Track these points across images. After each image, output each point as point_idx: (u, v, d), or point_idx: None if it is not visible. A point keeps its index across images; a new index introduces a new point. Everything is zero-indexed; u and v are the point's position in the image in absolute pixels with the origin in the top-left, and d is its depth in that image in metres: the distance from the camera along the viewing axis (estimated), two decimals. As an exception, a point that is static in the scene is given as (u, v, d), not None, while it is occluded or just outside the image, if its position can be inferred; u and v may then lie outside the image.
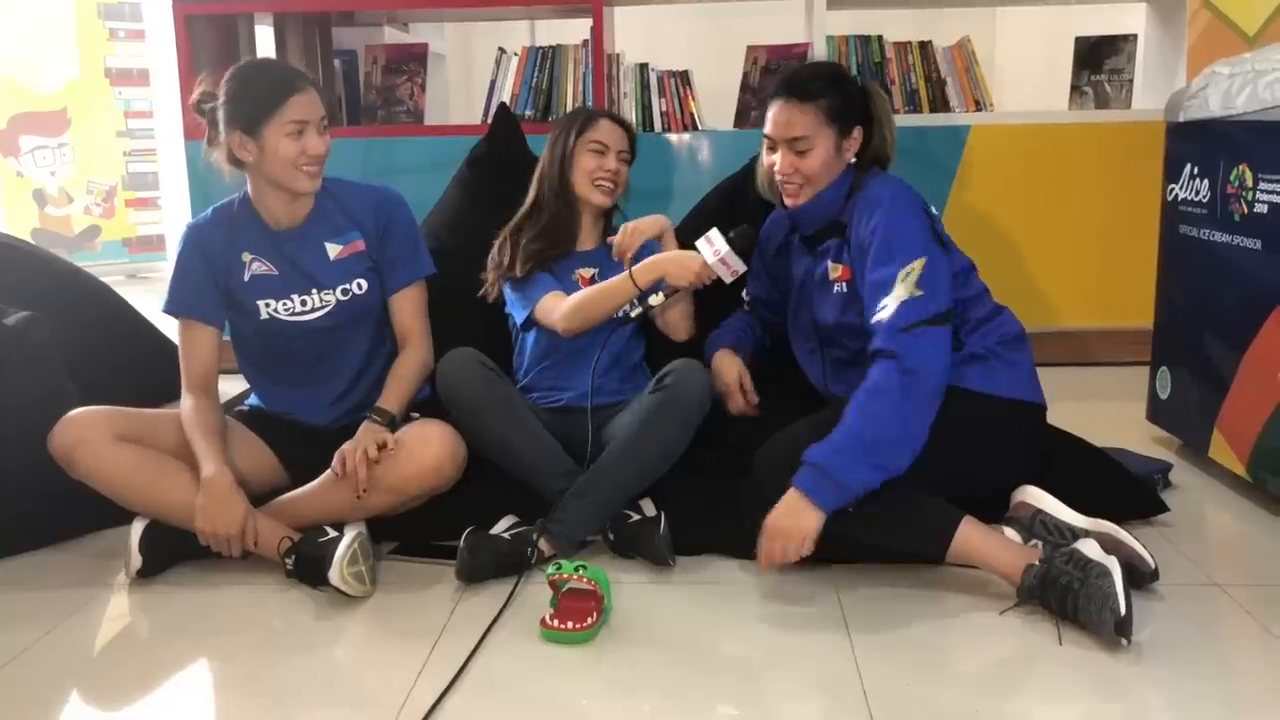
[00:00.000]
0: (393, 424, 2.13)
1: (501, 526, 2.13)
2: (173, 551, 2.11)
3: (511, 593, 1.96)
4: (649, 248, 2.38)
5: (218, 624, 1.93)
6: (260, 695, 1.68)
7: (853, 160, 2.11)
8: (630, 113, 3.70)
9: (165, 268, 6.52)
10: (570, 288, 2.37)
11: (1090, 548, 1.82)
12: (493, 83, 3.80)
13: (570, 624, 1.80)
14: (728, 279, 2.23)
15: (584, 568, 1.81)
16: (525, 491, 2.20)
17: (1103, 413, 3.03)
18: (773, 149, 2.12)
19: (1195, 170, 2.58)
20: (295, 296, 2.21)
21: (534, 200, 2.44)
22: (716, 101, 3.92)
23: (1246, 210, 2.35)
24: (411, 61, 3.92)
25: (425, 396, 2.29)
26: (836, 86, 2.08)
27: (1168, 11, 3.76)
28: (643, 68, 3.71)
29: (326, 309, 2.22)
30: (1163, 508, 2.27)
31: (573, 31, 3.84)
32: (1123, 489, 2.27)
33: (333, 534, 2.02)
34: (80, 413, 2.08)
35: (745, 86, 3.78)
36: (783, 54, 3.72)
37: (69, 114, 6.33)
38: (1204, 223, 2.53)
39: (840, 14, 3.71)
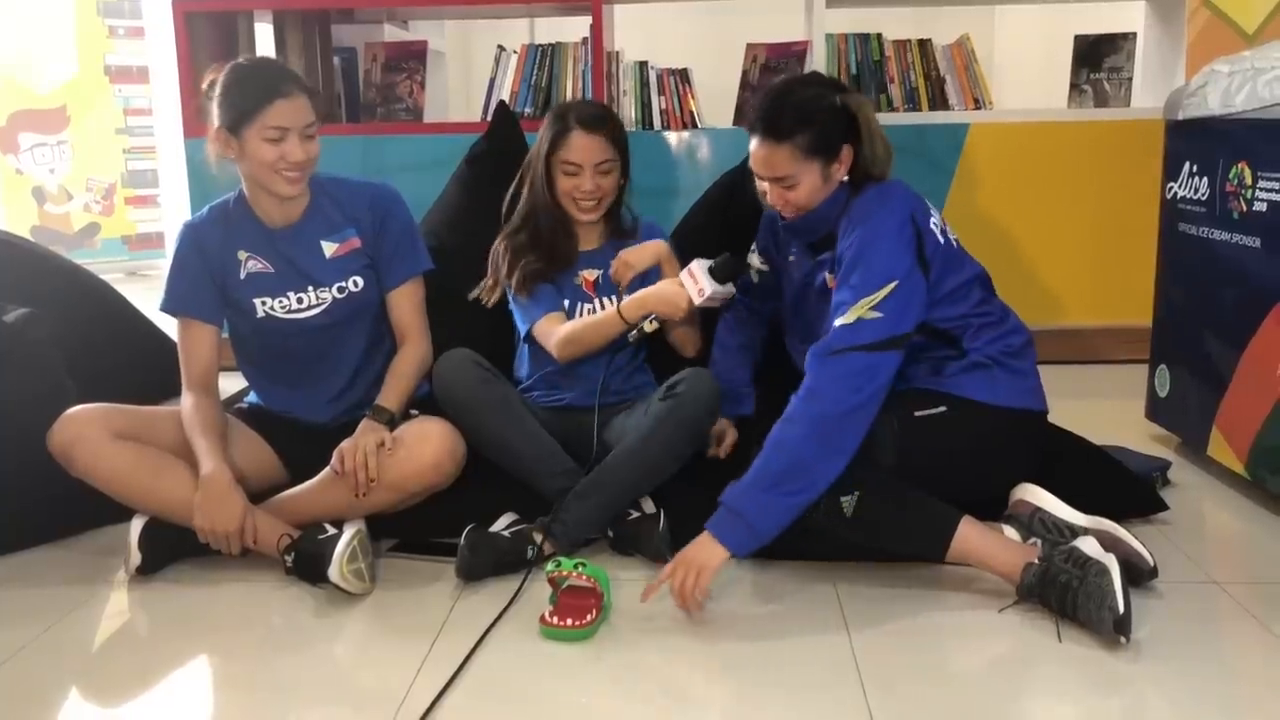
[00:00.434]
0: (391, 422, 2.13)
1: (501, 524, 2.13)
2: (172, 549, 2.11)
3: (517, 591, 1.96)
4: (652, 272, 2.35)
5: (217, 621, 1.93)
6: (260, 692, 1.68)
7: (845, 179, 2.05)
8: (630, 110, 3.70)
9: (164, 265, 6.48)
10: (573, 293, 2.35)
11: (1089, 545, 1.82)
12: (492, 80, 3.80)
13: (570, 621, 1.80)
14: (717, 304, 2.23)
15: (583, 565, 1.81)
16: (525, 489, 2.20)
17: (1102, 411, 3.03)
18: (760, 177, 2.08)
19: (1194, 168, 2.58)
20: (291, 294, 2.21)
21: (527, 212, 2.38)
22: (716, 99, 3.92)
23: (1245, 208, 2.35)
24: (411, 59, 3.92)
25: (424, 394, 2.29)
26: (812, 120, 1.98)
27: (1167, 10, 3.76)
28: (642, 65, 3.71)
29: (323, 306, 2.22)
30: (1162, 506, 2.27)
31: (572, 29, 3.84)
32: (1122, 487, 2.27)
33: (332, 531, 2.02)
34: (79, 410, 2.08)
35: (745, 84, 3.78)
36: (782, 52, 3.72)
37: (68, 111, 6.32)
38: (1203, 221, 2.53)
39: (839, 12, 3.71)
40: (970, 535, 1.88)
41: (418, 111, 3.90)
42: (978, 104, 3.74)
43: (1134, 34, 3.80)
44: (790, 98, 2.02)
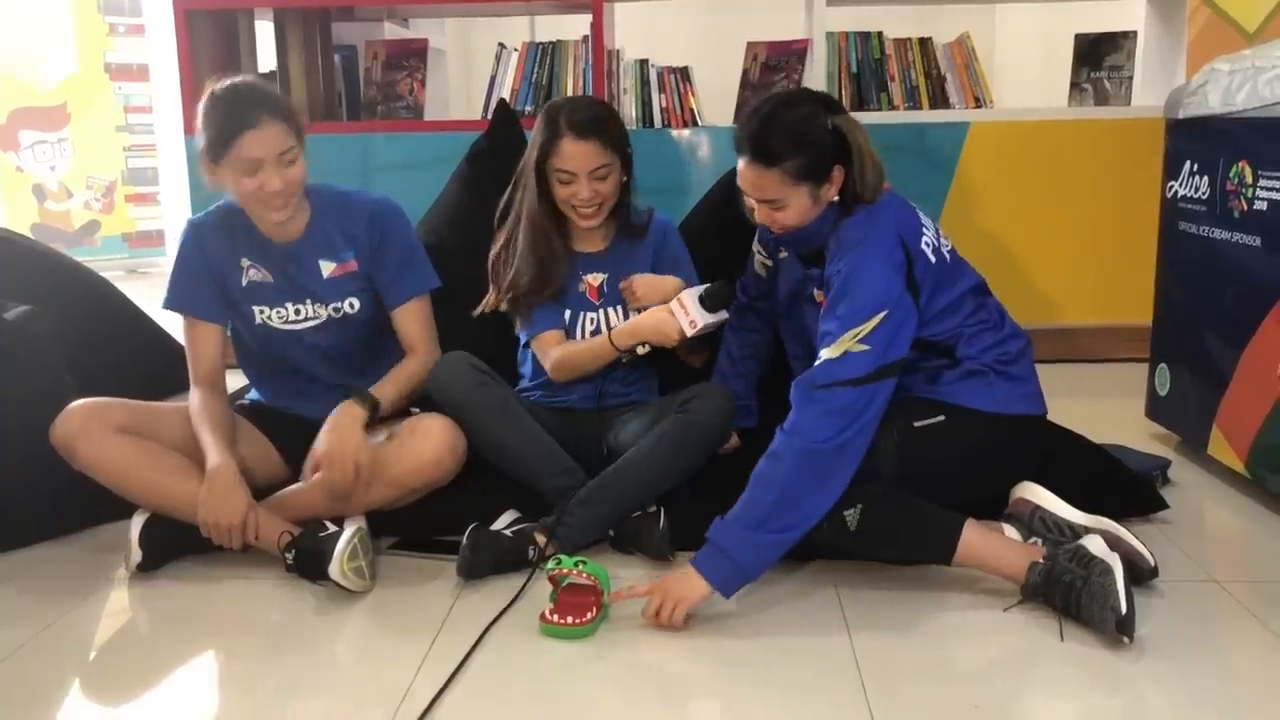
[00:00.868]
0: (374, 410, 2.11)
1: (503, 522, 2.14)
2: (173, 546, 2.11)
3: (521, 590, 1.96)
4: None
5: (217, 619, 1.93)
6: (260, 690, 1.68)
7: (835, 199, 1.98)
8: (630, 109, 3.70)
9: (165, 263, 6.51)
10: (576, 300, 2.33)
11: (1095, 544, 1.81)
12: (493, 78, 3.80)
13: (570, 619, 1.80)
14: (711, 330, 2.21)
15: (584, 563, 1.81)
16: (525, 487, 2.20)
17: (1102, 410, 3.03)
18: (749, 197, 2.03)
19: (1195, 167, 2.58)
20: (289, 305, 2.21)
21: (516, 227, 2.30)
22: (716, 97, 3.92)
23: (1246, 207, 2.35)
24: (411, 57, 3.92)
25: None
26: (803, 144, 1.92)
27: (1167, 8, 3.76)
28: (642, 64, 3.71)
29: (319, 321, 2.22)
30: (1162, 505, 2.27)
31: (572, 27, 3.84)
32: (1122, 486, 2.27)
33: (332, 529, 2.03)
34: (82, 404, 2.08)
35: (745, 83, 3.78)
36: (783, 50, 3.72)
37: (69, 109, 6.32)
38: (1203, 220, 2.53)
39: (840, 10, 3.71)
40: (975, 539, 1.88)
41: (418, 109, 3.90)
42: (978, 102, 3.74)
43: (1134, 32, 3.80)
44: (780, 120, 1.94)
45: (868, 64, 3.73)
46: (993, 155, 3.65)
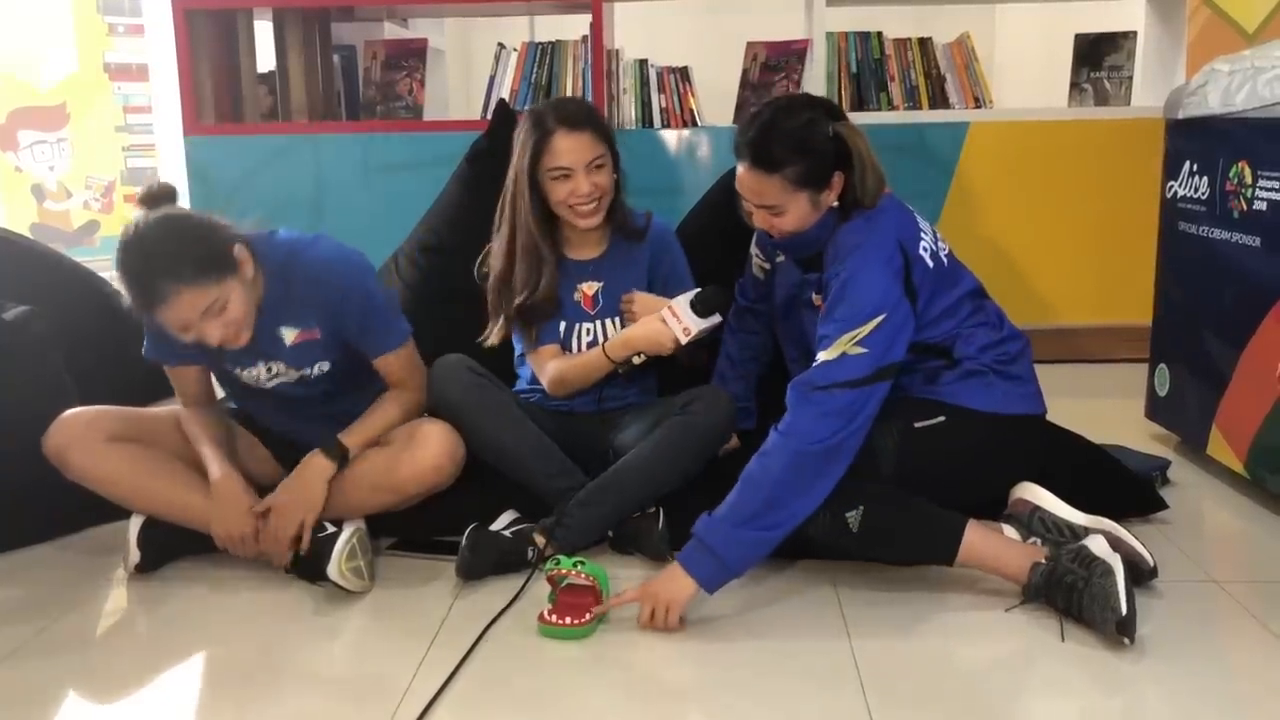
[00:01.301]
0: (343, 460, 2.07)
1: (502, 522, 2.13)
2: (171, 547, 2.11)
3: (520, 590, 1.96)
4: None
5: (216, 619, 1.93)
6: (258, 690, 1.68)
7: (835, 205, 1.97)
8: (630, 109, 3.70)
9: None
10: (572, 310, 2.30)
11: (1098, 545, 1.81)
12: (492, 78, 3.80)
13: (569, 619, 1.80)
14: (705, 336, 2.20)
15: (583, 563, 1.81)
16: (524, 488, 2.19)
17: (1101, 410, 3.03)
18: (747, 202, 2.02)
19: (1194, 167, 2.57)
20: (261, 364, 2.11)
21: (506, 245, 2.24)
22: (716, 97, 3.91)
23: (1246, 207, 2.35)
24: (411, 57, 3.92)
25: None
26: (802, 151, 1.91)
27: (1167, 8, 3.75)
28: (642, 64, 3.71)
29: (293, 379, 2.14)
30: (1161, 505, 2.27)
31: (572, 27, 3.84)
32: (1121, 486, 2.27)
33: (331, 529, 2.02)
34: (72, 414, 2.07)
35: (745, 83, 3.77)
36: (782, 50, 3.71)
37: (68, 109, 6.31)
38: (1203, 220, 2.53)
39: (840, 10, 3.70)
40: (977, 540, 1.87)
41: (417, 109, 3.89)
42: (978, 102, 3.74)
43: (1134, 33, 3.80)
44: (781, 126, 1.92)
45: (867, 64, 3.73)
46: (993, 156, 3.64)
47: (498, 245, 2.28)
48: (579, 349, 2.30)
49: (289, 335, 2.08)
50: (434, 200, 3.03)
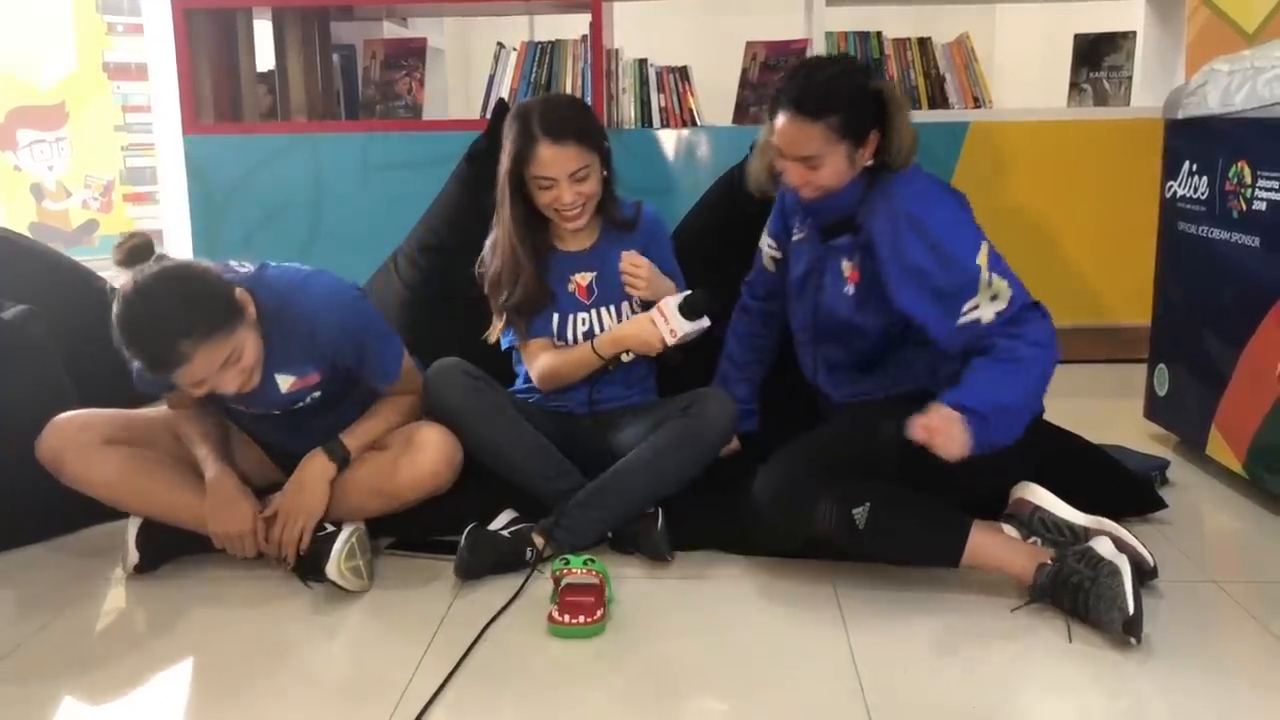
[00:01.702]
0: (344, 462, 2.07)
1: (501, 521, 2.13)
2: (169, 547, 2.11)
3: (519, 590, 1.96)
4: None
5: (214, 619, 1.93)
6: (256, 690, 1.68)
7: (869, 163, 2.02)
8: (629, 108, 3.70)
9: (163, 262, 6.50)
10: (566, 301, 2.30)
11: (1103, 546, 1.81)
12: (491, 78, 3.79)
13: (581, 618, 1.80)
14: (693, 338, 2.19)
15: (592, 561, 1.82)
16: (523, 490, 2.19)
17: (1100, 410, 3.03)
18: (782, 160, 2.02)
19: (1194, 167, 2.57)
20: (254, 405, 2.11)
21: (508, 240, 2.25)
22: (715, 97, 3.91)
23: (1245, 207, 2.35)
24: (410, 56, 3.92)
25: None
26: (846, 101, 1.94)
27: (1167, 8, 3.75)
28: (641, 63, 3.71)
29: (284, 411, 2.13)
30: (1160, 505, 2.27)
31: (571, 27, 3.84)
32: (1121, 486, 2.27)
33: (330, 529, 2.02)
34: (66, 417, 2.07)
35: (744, 82, 3.77)
36: (782, 50, 3.71)
37: (67, 108, 6.31)
38: (1202, 220, 2.53)
39: (840, 10, 3.70)
40: (984, 540, 1.87)
41: (417, 109, 3.89)
42: (977, 102, 3.73)
43: (1134, 33, 3.79)
44: (826, 76, 1.96)
45: (867, 64, 3.73)
46: (992, 155, 3.64)
47: (489, 241, 2.31)
48: (574, 339, 2.30)
49: (285, 383, 2.05)
50: (433, 200, 3.03)
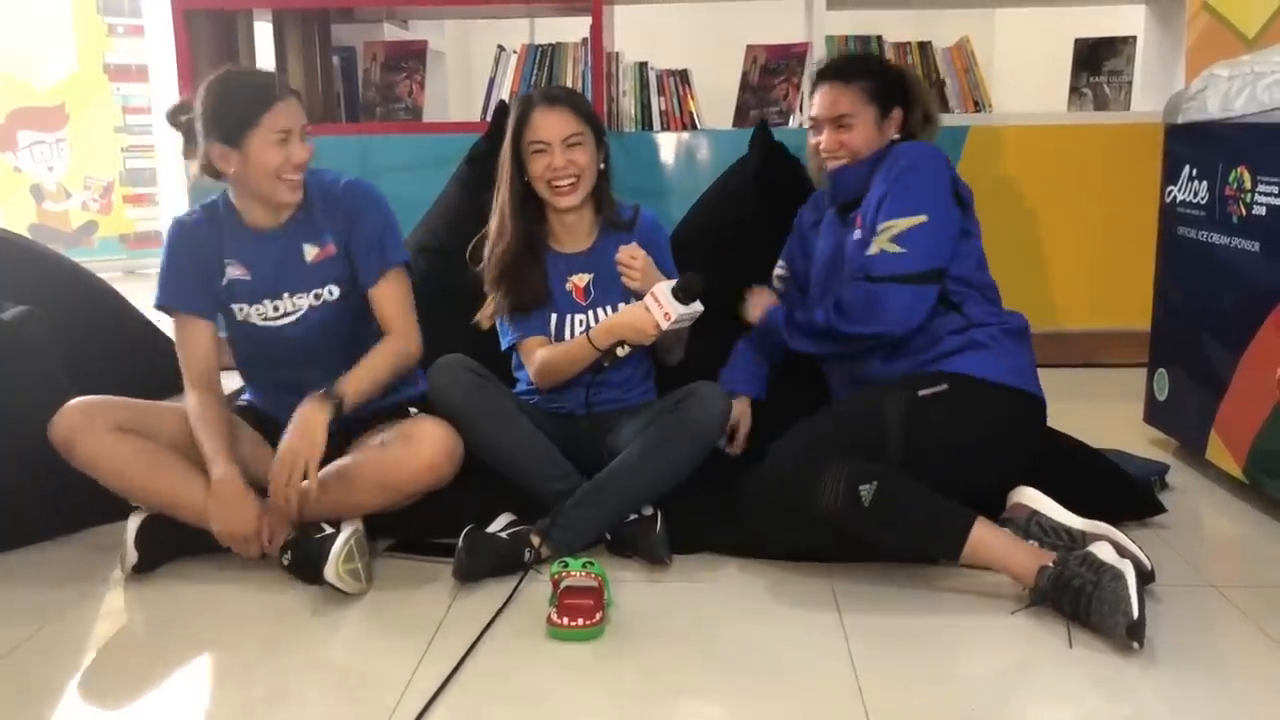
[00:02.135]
0: (338, 408, 2.06)
1: (499, 524, 2.13)
2: (169, 547, 2.10)
3: (513, 592, 1.95)
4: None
5: (213, 620, 1.93)
6: (255, 692, 1.67)
7: (895, 137, 2.26)
8: (629, 111, 3.70)
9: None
10: (564, 301, 2.31)
11: (1105, 551, 1.81)
12: (492, 80, 3.80)
13: (581, 621, 1.80)
14: (685, 325, 2.19)
15: (591, 564, 1.82)
16: (522, 491, 2.19)
17: (1100, 414, 3.03)
18: (817, 129, 2.28)
19: (1194, 172, 2.58)
20: (268, 302, 2.20)
21: (496, 231, 2.31)
22: (716, 101, 3.92)
23: (1245, 212, 2.35)
24: (410, 59, 3.92)
25: (422, 392, 2.28)
26: (876, 70, 2.29)
27: (1167, 13, 3.76)
28: (642, 66, 3.71)
29: (299, 313, 2.20)
30: (1160, 509, 2.27)
31: (572, 30, 3.84)
32: (1120, 490, 2.27)
33: (329, 530, 2.02)
34: (81, 401, 2.08)
35: (744, 86, 3.77)
36: (782, 54, 3.72)
37: (67, 109, 6.32)
38: (1202, 224, 2.53)
39: (840, 14, 3.71)
40: (986, 536, 1.87)
41: (417, 111, 3.89)
42: (978, 106, 3.74)
43: (1134, 37, 3.80)
44: (860, 55, 2.44)
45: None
46: (992, 160, 3.65)
47: (493, 226, 2.33)
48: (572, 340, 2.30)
49: (310, 253, 2.20)
50: (433, 202, 3.03)
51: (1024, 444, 2.14)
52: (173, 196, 6.19)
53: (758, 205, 2.87)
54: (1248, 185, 2.34)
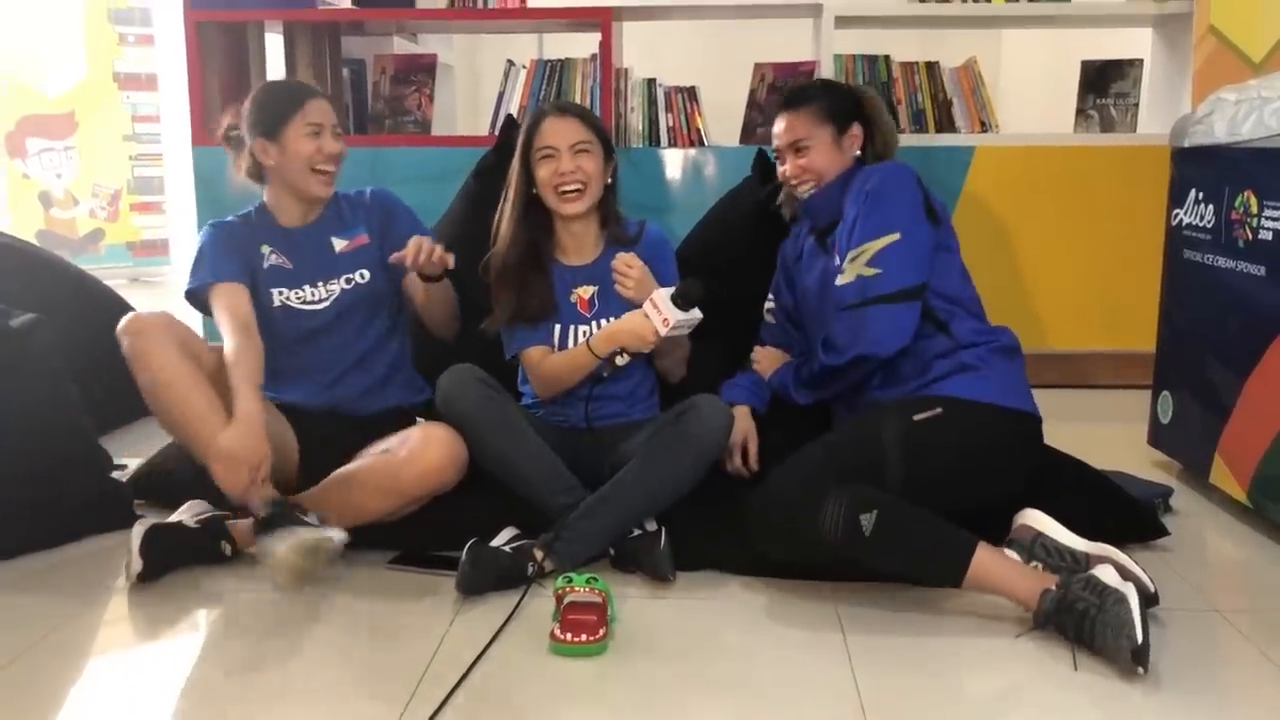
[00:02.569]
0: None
1: (503, 538, 2.13)
2: (173, 556, 2.11)
3: (516, 606, 1.95)
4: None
5: (215, 629, 1.93)
6: (257, 703, 1.67)
7: (858, 154, 2.28)
8: (637, 127, 3.71)
9: (168, 272, 6.53)
10: (568, 312, 2.32)
11: (1108, 574, 1.81)
12: (501, 94, 3.81)
13: (584, 637, 1.80)
14: (685, 331, 2.19)
15: (594, 580, 1.82)
16: (527, 503, 2.19)
17: (1104, 436, 3.03)
18: (782, 159, 2.31)
19: (1200, 195, 2.58)
20: (306, 287, 2.36)
21: (501, 240, 2.34)
22: (723, 117, 3.93)
23: (1251, 236, 2.36)
24: (420, 72, 3.94)
25: (427, 398, 2.29)
26: (826, 90, 2.32)
27: (1174, 37, 3.77)
28: (650, 83, 3.73)
29: (332, 298, 2.36)
30: (1163, 532, 2.27)
31: (581, 45, 3.86)
32: (1123, 512, 2.27)
33: (317, 523, 2.03)
34: (159, 311, 2.18)
35: (752, 103, 3.79)
36: (789, 71, 3.73)
37: (76, 117, 6.34)
38: (1208, 248, 2.54)
39: (848, 33, 3.72)
40: (988, 561, 1.87)
41: (426, 124, 3.91)
42: (984, 127, 3.75)
43: (1141, 60, 3.81)
44: (809, 80, 2.39)
45: (874, 87, 3.74)
46: (998, 180, 3.66)
47: (499, 235, 2.36)
48: None
49: (339, 244, 2.39)
50: (441, 215, 3.04)
51: (1021, 460, 2.14)
52: (180, 205, 6.21)
53: (762, 225, 2.87)
54: (1254, 209, 2.35)
